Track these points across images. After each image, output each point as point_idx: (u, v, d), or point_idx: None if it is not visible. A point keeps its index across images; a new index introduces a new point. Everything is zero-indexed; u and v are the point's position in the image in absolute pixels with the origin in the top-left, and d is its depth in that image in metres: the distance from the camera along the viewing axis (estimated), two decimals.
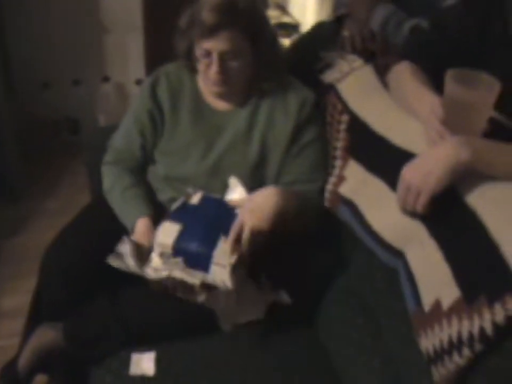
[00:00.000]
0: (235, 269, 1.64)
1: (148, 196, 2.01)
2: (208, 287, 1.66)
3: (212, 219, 1.77)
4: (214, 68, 1.83)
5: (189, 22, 1.86)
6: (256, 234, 1.66)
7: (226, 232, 1.69)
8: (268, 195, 1.72)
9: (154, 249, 1.73)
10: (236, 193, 1.85)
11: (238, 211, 1.76)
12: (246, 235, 1.65)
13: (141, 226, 1.88)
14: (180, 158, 1.97)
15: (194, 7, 1.83)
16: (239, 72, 1.87)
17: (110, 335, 1.76)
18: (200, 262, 1.67)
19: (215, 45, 1.79)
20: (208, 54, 1.82)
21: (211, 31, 1.77)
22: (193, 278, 1.65)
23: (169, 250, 1.70)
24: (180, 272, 1.67)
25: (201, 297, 1.68)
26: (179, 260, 1.69)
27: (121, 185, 2.00)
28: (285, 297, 1.73)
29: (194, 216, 1.79)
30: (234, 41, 1.79)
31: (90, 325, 1.81)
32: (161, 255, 1.72)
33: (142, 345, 1.73)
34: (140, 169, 2.06)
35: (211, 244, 1.67)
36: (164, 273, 1.68)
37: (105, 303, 1.81)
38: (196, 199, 1.85)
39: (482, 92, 1.41)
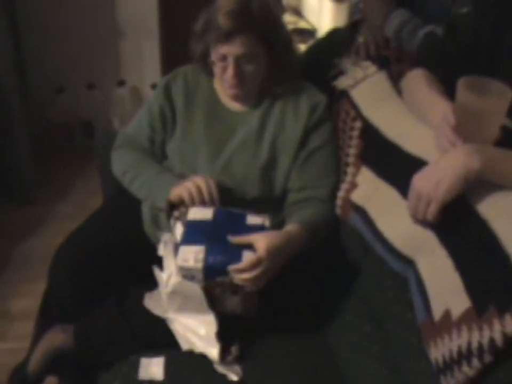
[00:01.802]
0: (184, 275, 1.63)
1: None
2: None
3: (223, 234, 1.69)
4: (230, 72, 1.84)
5: (204, 26, 1.88)
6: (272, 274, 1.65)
7: (212, 245, 1.65)
8: (285, 242, 1.67)
9: (173, 272, 1.70)
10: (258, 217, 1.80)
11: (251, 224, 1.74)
12: (258, 274, 1.61)
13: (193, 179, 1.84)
14: (192, 156, 1.97)
15: (209, 11, 1.85)
16: (254, 76, 1.89)
17: (120, 339, 1.77)
18: (176, 248, 1.66)
19: (230, 49, 1.80)
20: (224, 58, 1.84)
21: (227, 36, 1.78)
22: (162, 249, 1.74)
23: (199, 273, 1.64)
24: (164, 239, 1.75)
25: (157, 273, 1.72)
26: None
27: (145, 161, 2.01)
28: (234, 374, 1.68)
29: (225, 225, 1.73)
30: (249, 46, 1.80)
31: (100, 329, 1.82)
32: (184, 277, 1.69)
33: (152, 350, 1.73)
34: (150, 154, 2.05)
35: (192, 241, 1.66)
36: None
37: (115, 305, 1.82)
38: (254, 221, 1.78)
39: (494, 99, 1.40)
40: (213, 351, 1.67)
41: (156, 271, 1.72)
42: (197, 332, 1.70)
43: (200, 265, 1.60)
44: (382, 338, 1.65)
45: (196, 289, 1.65)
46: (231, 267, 1.59)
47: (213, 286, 1.66)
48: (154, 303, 1.75)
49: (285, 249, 1.66)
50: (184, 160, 1.98)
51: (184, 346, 1.69)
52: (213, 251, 1.63)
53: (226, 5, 1.80)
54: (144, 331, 1.76)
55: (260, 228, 1.73)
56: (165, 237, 1.76)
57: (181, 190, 1.81)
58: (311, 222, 1.81)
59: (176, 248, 1.65)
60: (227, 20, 1.77)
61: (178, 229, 1.73)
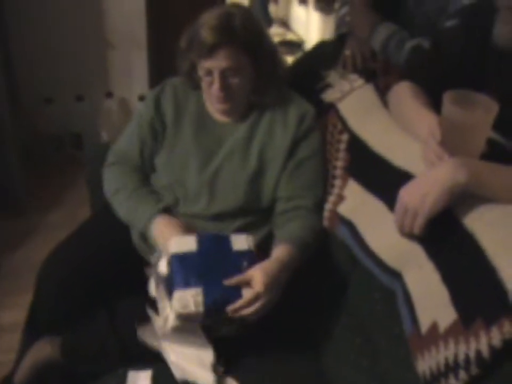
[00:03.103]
0: (183, 319, 1.61)
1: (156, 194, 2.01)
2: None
3: (215, 268, 1.68)
4: (216, 86, 1.86)
5: (188, 42, 1.89)
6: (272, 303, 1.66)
7: (208, 286, 1.62)
8: (281, 269, 1.70)
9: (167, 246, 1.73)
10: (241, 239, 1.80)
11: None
12: (258, 307, 1.62)
13: (160, 222, 1.87)
14: (180, 168, 1.98)
15: (193, 27, 1.86)
16: (240, 88, 1.90)
17: (107, 352, 1.77)
18: (170, 287, 1.65)
19: (215, 63, 1.82)
20: (209, 72, 1.85)
21: (210, 50, 1.80)
22: (154, 289, 1.70)
23: (200, 317, 1.63)
24: (154, 277, 1.71)
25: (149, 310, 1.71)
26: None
27: (128, 186, 2.00)
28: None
29: (212, 253, 1.72)
30: (233, 59, 1.81)
31: (87, 341, 1.82)
32: (165, 254, 1.72)
33: (139, 363, 1.72)
34: (140, 171, 2.06)
35: (186, 284, 1.62)
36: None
37: (103, 318, 1.81)
38: (239, 245, 1.76)
39: (480, 113, 1.41)
40: (208, 379, 1.66)
41: (150, 312, 1.71)
42: (192, 360, 1.69)
43: (201, 309, 1.59)
44: (371, 351, 1.65)
45: (194, 327, 1.67)
46: (231, 308, 1.60)
47: (210, 320, 1.66)
48: (149, 334, 1.73)
49: (281, 278, 1.68)
50: (173, 172, 1.98)
51: (177, 374, 1.67)
52: (211, 292, 1.61)
53: (209, 20, 1.82)
54: (132, 344, 1.75)
55: (248, 254, 1.73)
56: (152, 271, 1.74)
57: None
58: (301, 238, 1.82)
59: (169, 289, 1.64)
60: (210, 35, 1.79)
61: (163, 263, 1.71)
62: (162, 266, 1.70)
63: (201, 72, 1.88)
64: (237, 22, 1.82)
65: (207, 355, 1.69)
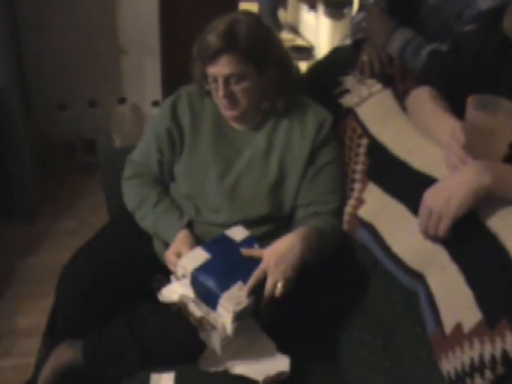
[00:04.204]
0: (240, 317, 1.63)
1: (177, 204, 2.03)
2: (209, 325, 1.67)
3: (237, 261, 1.74)
4: (220, 92, 1.87)
5: (197, 48, 1.91)
6: (283, 286, 1.67)
7: (243, 278, 1.68)
8: (292, 244, 1.73)
9: (178, 270, 1.75)
10: (236, 231, 1.84)
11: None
12: (270, 287, 1.66)
13: (181, 237, 1.87)
14: (199, 177, 1.98)
15: (202, 33, 1.87)
16: (246, 95, 1.89)
17: (129, 356, 1.77)
18: (210, 299, 1.66)
19: (218, 69, 1.83)
20: (214, 79, 1.86)
21: (213, 56, 1.81)
22: (197, 310, 1.67)
23: (188, 274, 1.70)
24: (189, 300, 1.69)
25: (202, 334, 1.70)
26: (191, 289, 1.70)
27: (150, 200, 2.01)
28: (284, 367, 1.70)
29: (225, 252, 1.76)
30: (236, 65, 1.82)
31: (109, 345, 1.82)
32: (182, 276, 1.73)
33: (161, 366, 1.73)
34: (160, 182, 2.07)
35: (226, 286, 1.66)
36: (175, 297, 1.70)
37: (123, 322, 1.82)
38: (239, 236, 1.82)
39: (503, 117, 1.43)
40: (285, 363, 1.70)
41: (203, 336, 1.71)
42: (259, 358, 1.73)
43: (252, 298, 1.64)
44: (391, 353, 1.67)
45: (248, 323, 1.70)
46: (244, 289, 1.64)
47: (256, 308, 1.69)
48: (209, 361, 1.73)
49: (289, 256, 1.70)
50: (192, 181, 1.99)
51: (259, 377, 1.68)
52: (248, 281, 1.67)
53: (214, 27, 1.83)
54: (153, 347, 1.76)
55: (251, 239, 1.81)
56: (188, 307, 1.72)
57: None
58: (320, 228, 1.84)
59: (210, 302, 1.66)
60: (213, 41, 1.80)
61: (186, 286, 1.72)
62: (186, 290, 1.71)
63: (209, 79, 1.90)
64: (242, 29, 1.82)
65: (270, 345, 1.74)
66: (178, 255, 1.79)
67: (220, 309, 1.63)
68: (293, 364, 1.70)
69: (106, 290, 1.88)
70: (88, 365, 1.83)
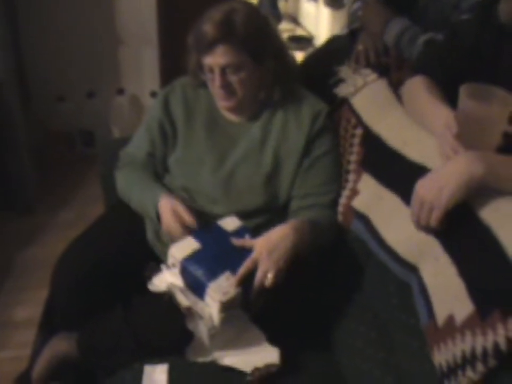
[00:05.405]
0: (227, 307, 1.63)
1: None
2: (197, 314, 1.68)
3: (227, 251, 1.74)
4: (217, 83, 1.86)
5: (193, 38, 1.89)
6: (274, 276, 1.66)
7: (233, 268, 1.67)
8: (284, 235, 1.72)
9: (169, 259, 1.74)
10: (228, 221, 1.85)
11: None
12: (260, 277, 1.65)
13: (165, 205, 1.87)
14: (195, 168, 1.98)
15: (198, 23, 1.86)
16: (243, 85, 1.88)
17: (124, 347, 1.77)
18: (198, 288, 1.66)
19: (214, 59, 1.82)
20: (211, 69, 1.85)
21: (210, 46, 1.80)
22: (185, 299, 1.67)
23: (177, 263, 1.71)
24: (176, 290, 1.69)
25: (190, 324, 1.69)
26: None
27: (140, 179, 2.01)
28: (274, 359, 1.69)
29: (215, 242, 1.77)
30: (233, 55, 1.81)
31: (103, 336, 1.82)
32: (172, 265, 1.73)
33: (155, 357, 1.73)
34: (152, 170, 2.06)
35: (214, 275, 1.66)
36: (163, 287, 1.71)
37: (118, 314, 1.82)
38: (231, 226, 1.83)
39: (496, 106, 1.41)
40: (274, 353, 1.70)
41: (190, 326, 1.70)
42: (247, 349, 1.72)
43: (240, 289, 1.64)
44: (386, 344, 1.66)
45: (237, 313, 1.68)
46: (233, 279, 1.64)
47: (245, 298, 1.69)
48: (197, 351, 1.73)
49: (281, 246, 1.69)
50: (187, 173, 1.99)
51: (247, 368, 1.68)
52: (237, 270, 1.66)
53: (211, 16, 1.82)
54: (148, 339, 1.76)
55: (243, 229, 1.82)
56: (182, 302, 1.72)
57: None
58: (314, 219, 1.84)
59: (198, 292, 1.66)
60: (210, 30, 1.79)
61: (175, 275, 1.73)
62: (176, 279, 1.72)
63: (205, 69, 1.88)
64: (239, 19, 1.82)
65: (259, 336, 1.73)
66: (176, 215, 1.82)
67: (207, 298, 1.63)
68: (285, 356, 1.69)
69: (100, 281, 1.88)
70: (83, 357, 1.83)
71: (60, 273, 1.93)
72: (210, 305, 1.63)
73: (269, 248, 1.68)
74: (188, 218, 1.81)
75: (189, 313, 1.67)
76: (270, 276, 1.64)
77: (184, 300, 1.67)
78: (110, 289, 1.88)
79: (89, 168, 3.74)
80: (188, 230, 1.80)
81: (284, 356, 1.69)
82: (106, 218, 2.19)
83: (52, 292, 1.99)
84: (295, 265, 1.72)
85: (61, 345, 1.87)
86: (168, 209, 1.84)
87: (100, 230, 2.07)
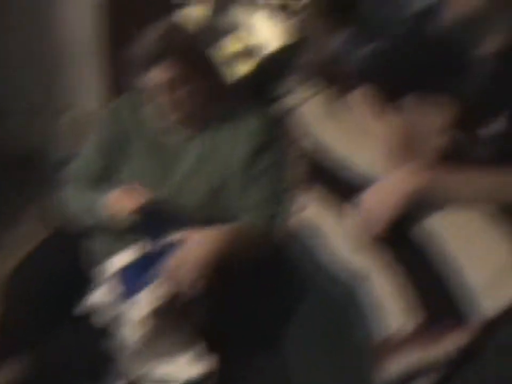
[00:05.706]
0: (158, 314, 1.64)
1: None
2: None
3: (158, 260, 1.74)
4: (163, 97, 1.85)
5: (135, 54, 1.87)
6: (190, 287, 1.67)
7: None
8: (199, 244, 1.72)
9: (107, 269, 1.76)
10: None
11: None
12: (166, 291, 1.67)
13: (113, 192, 1.87)
14: (140, 184, 1.94)
15: (140, 38, 1.85)
16: (189, 99, 1.87)
17: (75, 369, 1.76)
18: (131, 296, 1.68)
19: (159, 74, 1.81)
20: (156, 84, 1.83)
21: (153, 62, 1.79)
22: (113, 310, 1.70)
23: (113, 273, 1.73)
24: (103, 304, 1.72)
25: (121, 333, 1.70)
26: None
27: (84, 192, 1.98)
28: (210, 368, 1.69)
29: (155, 252, 1.77)
30: (177, 70, 1.80)
31: (55, 359, 1.82)
32: (109, 276, 1.75)
33: (108, 378, 1.71)
34: (98, 184, 2.01)
35: (145, 284, 1.67)
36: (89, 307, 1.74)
37: (68, 333, 1.81)
38: (128, 256, 1.80)
39: (435, 117, 1.44)
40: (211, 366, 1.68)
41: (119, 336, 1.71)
42: (183, 363, 1.70)
43: (172, 295, 1.66)
44: (337, 356, 1.63)
45: (170, 325, 1.69)
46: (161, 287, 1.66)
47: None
48: (129, 363, 1.72)
49: (195, 252, 1.69)
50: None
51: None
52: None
53: (153, 32, 1.83)
54: (98, 359, 1.74)
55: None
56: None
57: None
58: (248, 229, 1.86)
59: (132, 298, 1.67)
60: (153, 46, 1.79)
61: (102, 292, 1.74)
62: (104, 294, 1.74)
63: (149, 84, 1.86)
64: (180, 34, 1.86)
65: (196, 346, 1.71)
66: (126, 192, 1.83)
67: (137, 306, 1.64)
68: (226, 366, 1.70)
69: (49, 302, 1.85)
70: (36, 379, 1.82)
71: (6, 298, 1.89)
72: (140, 313, 1.63)
73: (176, 262, 1.68)
74: (139, 193, 1.81)
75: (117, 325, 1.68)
76: (188, 282, 1.66)
77: (112, 311, 1.69)
78: (59, 309, 1.84)
79: (34, 186, 3.66)
80: (138, 208, 1.80)
81: (228, 365, 1.70)
82: (52, 238, 2.13)
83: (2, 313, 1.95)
84: (228, 273, 1.72)
85: (13, 371, 1.84)
86: (117, 193, 1.84)
87: (46, 250, 2.04)
